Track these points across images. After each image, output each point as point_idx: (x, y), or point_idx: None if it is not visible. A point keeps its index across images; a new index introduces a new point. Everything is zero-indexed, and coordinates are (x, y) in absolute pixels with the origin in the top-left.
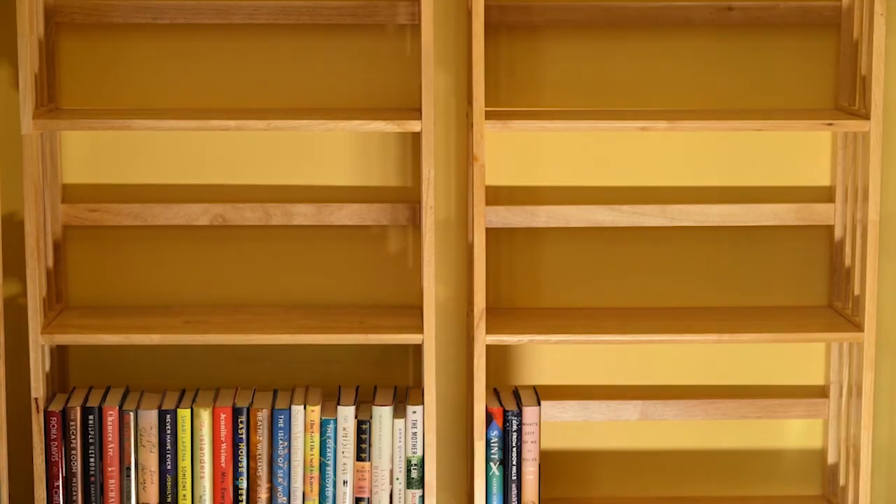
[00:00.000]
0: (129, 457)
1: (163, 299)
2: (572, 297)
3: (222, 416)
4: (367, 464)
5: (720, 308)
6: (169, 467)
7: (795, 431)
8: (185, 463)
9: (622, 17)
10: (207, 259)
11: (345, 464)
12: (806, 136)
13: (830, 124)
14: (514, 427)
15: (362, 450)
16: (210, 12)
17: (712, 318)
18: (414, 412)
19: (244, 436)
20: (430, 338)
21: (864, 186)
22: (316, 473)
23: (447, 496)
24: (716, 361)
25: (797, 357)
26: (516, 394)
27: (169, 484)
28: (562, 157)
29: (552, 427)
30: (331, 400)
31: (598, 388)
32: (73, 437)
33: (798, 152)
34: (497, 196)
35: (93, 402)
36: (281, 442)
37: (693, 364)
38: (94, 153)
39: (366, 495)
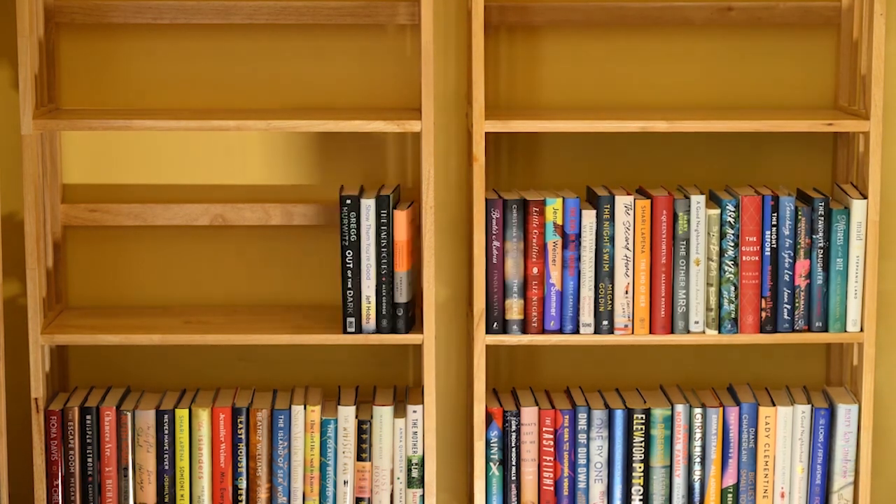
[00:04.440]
0: (127, 457)
1: (163, 299)
2: None
3: (221, 416)
4: (367, 464)
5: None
6: (167, 467)
7: None
8: (182, 463)
9: (622, 17)
10: (207, 259)
11: (345, 464)
12: (806, 135)
13: (830, 124)
14: (514, 427)
15: (363, 450)
16: (210, 12)
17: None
18: (414, 412)
19: (243, 436)
20: (430, 338)
21: (863, 186)
22: (316, 473)
23: (447, 496)
24: (716, 361)
25: (797, 357)
26: (514, 394)
27: (166, 484)
28: (562, 157)
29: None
30: (331, 400)
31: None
32: (71, 437)
33: (798, 152)
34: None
35: (92, 403)
36: (281, 442)
37: (693, 363)
38: (94, 153)
39: (366, 495)
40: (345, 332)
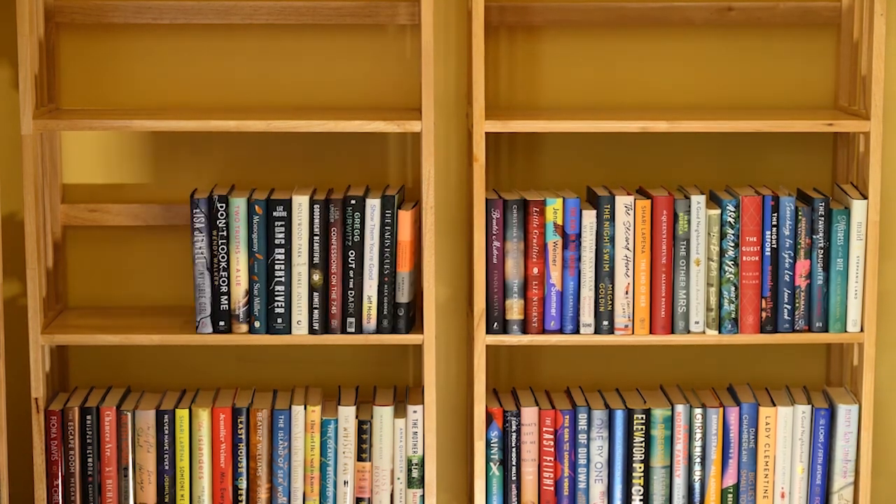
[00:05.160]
0: (127, 457)
1: (163, 299)
2: None
3: (221, 416)
4: (367, 464)
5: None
6: (167, 467)
7: None
8: (182, 463)
9: (622, 17)
10: None
11: (345, 464)
12: (806, 136)
13: (830, 124)
14: (514, 427)
15: (363, 450)
16: (210, 12)
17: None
18: (414, 412)
19: (244, 436)
20: (430, 338)
21: (863, 186)
22: (316, 474)
23: (447, 496)
24: (716, 361)
25: (797, 357)
26: (514, 394)
27: (167, 484)
28: (562, 157)
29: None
30: (331, 400)
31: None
32: (71, 437)
33: (798, 152)
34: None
35: (92, 403)
36: (281, 442)
37: (693, 363)
38: (94, 153)
39: (366, 495)
40: (344, 332)
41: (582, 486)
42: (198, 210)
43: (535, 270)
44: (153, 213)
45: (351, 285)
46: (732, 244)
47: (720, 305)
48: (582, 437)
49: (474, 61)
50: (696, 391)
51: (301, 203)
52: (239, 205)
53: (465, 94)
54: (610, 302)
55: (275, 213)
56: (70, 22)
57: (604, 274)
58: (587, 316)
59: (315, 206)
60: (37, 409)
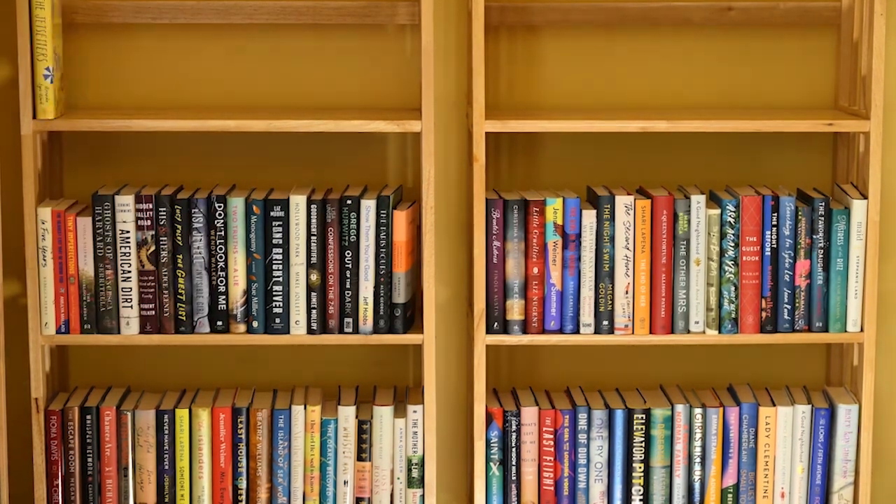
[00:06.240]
0: (127, 457)
1: None
2: None
3: (221, 416)
4: (367, 464)
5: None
6: (167, 467)
7: None
8: (182, 463)
9: (622, 17)
10: None
11: (345, 464)
12: (806, 136)
13: (830, 124)
14: (514, 427)
15: (363, 450)
16: (210, 12)
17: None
18: (414, 412)
19: (243, 436)
20: (430, 338)
21: (863, 186)
22: (316, 473)
23: (447, 496)
24: (716, 361)
25: (797, 357)
26: (514, 394)
27: (167, 484)
28: (562, 157)
29: None
30: (331, 400)
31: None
32: (71, 436)
33: (798, 152)
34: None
35: (92, 403)
36: (281, 442)
37: (693, 363)
38: (94, 153)
39: (366, 495)
40: (341, 332)
41: (582, 486)
42: (196, 210)
43: (536, 270)
44: None
45: (348, 286)
46: (732, 244)
47: (720, 305)
48: (582, 437)
49: (474, 61)
50: (696, 391)
51: (298, 203)
52: (237, 205)
53: (465, 94)
54: (610, 302)
55: (272, 213)
56: (70, 22)
57: (604, 274)
58: (587, 316)
59: (312, 207)
60: (37, 409)
